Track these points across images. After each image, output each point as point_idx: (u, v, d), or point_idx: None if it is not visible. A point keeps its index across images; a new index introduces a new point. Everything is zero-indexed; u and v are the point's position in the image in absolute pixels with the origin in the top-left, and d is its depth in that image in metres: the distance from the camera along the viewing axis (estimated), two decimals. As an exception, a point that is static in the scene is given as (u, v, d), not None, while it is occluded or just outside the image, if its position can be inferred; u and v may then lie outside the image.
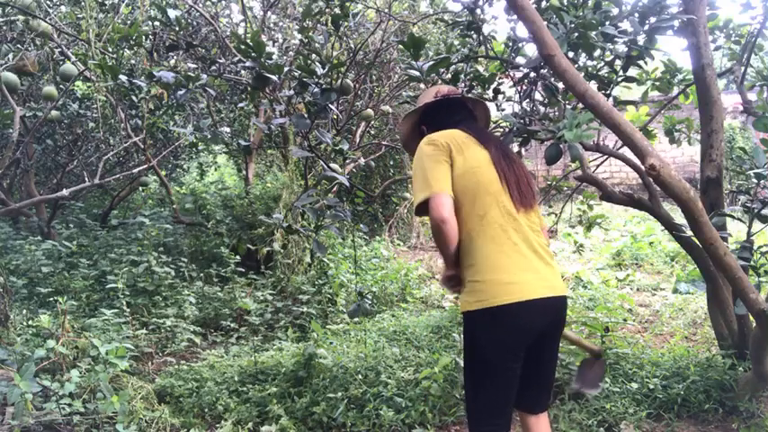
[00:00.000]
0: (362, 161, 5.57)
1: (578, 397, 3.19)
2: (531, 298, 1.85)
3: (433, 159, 1.95)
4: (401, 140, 2.36)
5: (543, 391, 2.09)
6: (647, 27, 2.72)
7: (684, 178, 2.16)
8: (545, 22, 2.14)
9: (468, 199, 1.93)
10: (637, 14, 2.72)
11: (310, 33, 3.46)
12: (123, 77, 3.23)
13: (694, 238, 2.76)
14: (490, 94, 3.46)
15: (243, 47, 2.82)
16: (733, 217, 2.91)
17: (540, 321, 1.91)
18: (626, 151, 2.53)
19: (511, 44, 3.33)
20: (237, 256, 5.50)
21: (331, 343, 4.07)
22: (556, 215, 5.01)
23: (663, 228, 3.84)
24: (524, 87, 3.15)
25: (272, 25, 6.38)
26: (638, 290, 6.05)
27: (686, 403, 3.11)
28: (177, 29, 3.82)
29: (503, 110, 3.56)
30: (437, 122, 2.16)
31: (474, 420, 1.97)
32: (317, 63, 2.92)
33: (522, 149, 3.24)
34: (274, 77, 2.83)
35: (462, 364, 2.15)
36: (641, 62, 2.90)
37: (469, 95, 2.29)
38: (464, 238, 1.94)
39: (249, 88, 3.76)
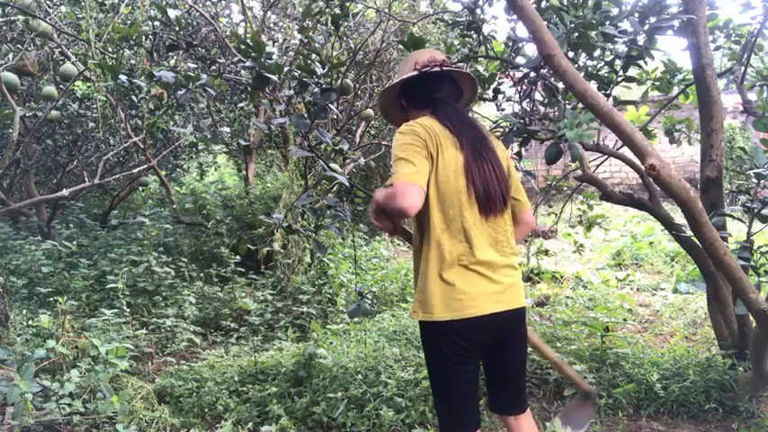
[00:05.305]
0: (362, 161, 5.56)
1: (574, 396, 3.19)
2: (473, 315, 1.82)
3: (411, 149, 1.82)
4: (380, 110, 2.25)
5: (513, 394, 2.05)
6: (647, 27, 2.72)
7: (684, 178, 2.16)
8: (545, 22, 2.14)
9: (438, 205, 1.86)
10: (637, 14, 2.72)
11: (310, 33, 3.46)
12: (123, 77, 3.24)
13: (694, 238, 2.76)
14: (490, 94, 3.46)
15: (243, 47, 2.82)
16: (733, 217, 2.91)
17: (485, 335, 1.89)
18: (626, 151, 2.53)
19: (511, 44, 3.33)
20: (237, 256, 5.50)
21: (331, 343, 4.06)
22: (556, 215, 5.02)
23: (663, 228, 3.84)
24: (524, 87, 3.15)
25: (272, 25, 6.39)
26: (638, 290, 6.05)
27: (686, 403, 3.10)
28: (177, 29, 3.82)
29: (503, 110, 3.56)
30: (417, 98, 2.05)
31: (440, 422, 1.98)
32: (317, 63, 2.92)
33: (523, 149, 3.24)
34: (274, 77, 2.83)
35: None
36: (641, 62, 2.89)
37: (452, 68, 2.07)
38: (424, 244, 1.90)
39: (249, 88, 3.76)
